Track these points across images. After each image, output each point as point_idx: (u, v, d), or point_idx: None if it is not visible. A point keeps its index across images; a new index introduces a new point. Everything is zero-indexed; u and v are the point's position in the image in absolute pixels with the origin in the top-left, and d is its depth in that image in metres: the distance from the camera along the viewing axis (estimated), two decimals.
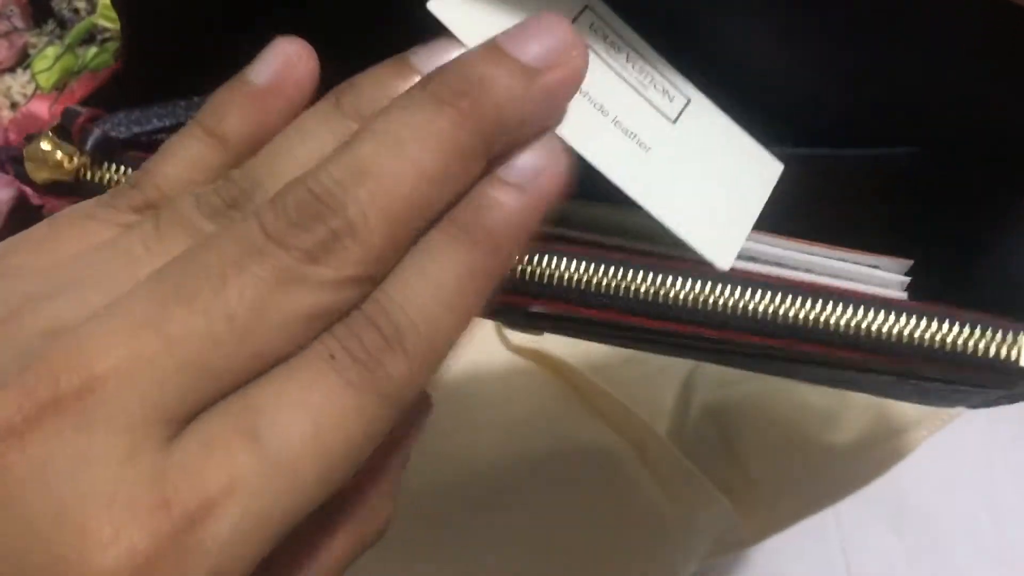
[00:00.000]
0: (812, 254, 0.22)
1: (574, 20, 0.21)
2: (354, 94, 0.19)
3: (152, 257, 0.17)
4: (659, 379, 0.48)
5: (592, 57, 0.20)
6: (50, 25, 0.53)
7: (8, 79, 0.53)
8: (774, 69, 0.23)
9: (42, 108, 0.50)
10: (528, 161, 0.18)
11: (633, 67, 0.21)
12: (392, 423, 0.17)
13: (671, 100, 0.21)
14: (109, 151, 0.22)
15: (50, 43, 0.51)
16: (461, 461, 0.45)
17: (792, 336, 0.19)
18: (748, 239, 0.21)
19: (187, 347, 0.15)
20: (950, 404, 0.27)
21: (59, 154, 0.21)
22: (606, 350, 0.48)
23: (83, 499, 0.14)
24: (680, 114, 0.21)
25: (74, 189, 0.22)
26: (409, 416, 0.20)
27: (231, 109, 0.19)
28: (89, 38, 0.51)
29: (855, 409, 0.47)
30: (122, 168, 0.22)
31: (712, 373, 0.48)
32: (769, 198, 0.22)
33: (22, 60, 0.53)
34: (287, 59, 0.19)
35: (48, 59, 0.50)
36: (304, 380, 0.16)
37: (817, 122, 0.24)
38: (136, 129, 0.22)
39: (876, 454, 0.49)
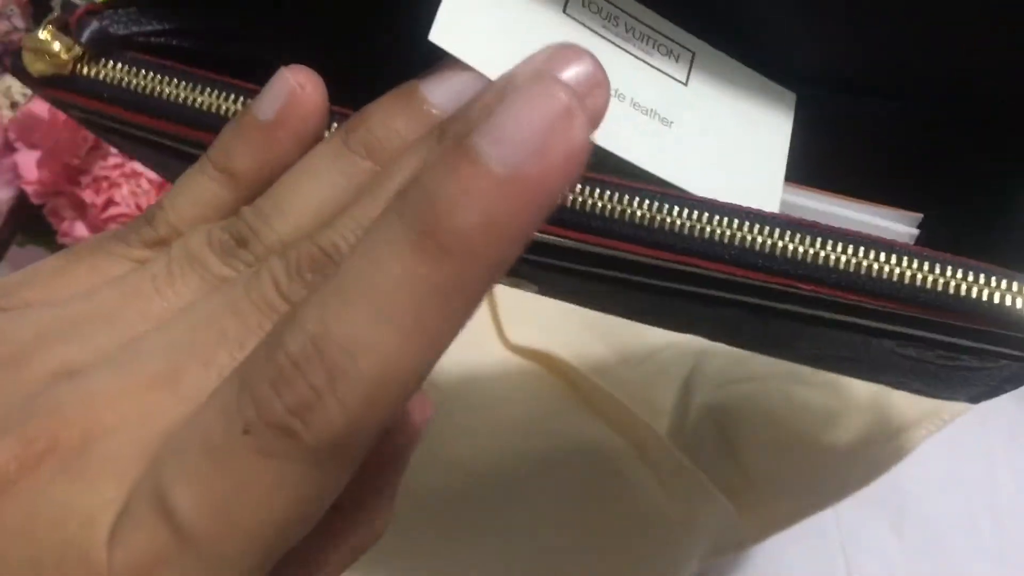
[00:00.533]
0: (819, 201, 0.22)
1: (567, 2, 0.20)
2: (364, 129, 0.19)
3: (162, 297, 0.17)
4: (659, 379, 0.48)
5: (594, 39, 0.20)
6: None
7: (8, 79, 0.53)
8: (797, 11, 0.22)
9: (42, 108, 0.50)
10: (520, 131, 0.13)
11: (634, 35, 0.21)
12: (343, 475, 0.14)
13: (677, 60, 0.21)
14: (107, 47, 0.22)
15: None
16: (460, 461, 0.45)
17: (792, 275, 0.18)
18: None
19: (196, 405, 0.15)
20: (951, 391, 0.26)
21: (56, 45, 0.21)
22: (606, 350, 0.48)
23: (64, 548, 0.14)
24: (690, 72, 0.21)
25: (68, 83, 0.22)
26: (405, 426, 0.20)
27: (238, 145, 0.19)
28: None
29: (855, 409, 0.47)
30: (119, 65, 0.21)
31: (712, 373, 0.48)
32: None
33: None
34: (292, 92, 0.19)
35: None
36: (219, 458, 0.14)
37: (839, 71, 0.24)
38: (134, 28, 0.22)
39: (876, 454, 0.49)
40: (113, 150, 0.50)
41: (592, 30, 0.20)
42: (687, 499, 0.47)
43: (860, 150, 0.24)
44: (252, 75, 0.21)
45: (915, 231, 0.22)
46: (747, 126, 0.21)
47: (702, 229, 0.18)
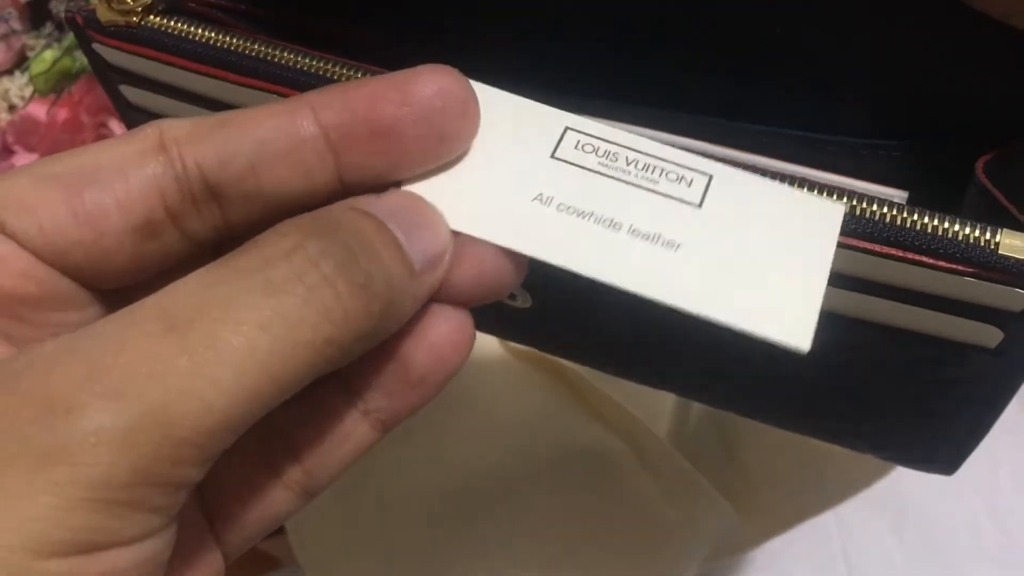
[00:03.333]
0: (808, 174, 0.22)
1: (556, 147, 0.19)
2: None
3: None
4: None
5: (588, 175, 0.19)
6: (48, 28, 0.53)
7: (6, 82, 0.53)
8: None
9: (40, 111, 0.49)
10: (431, 245, 0.17)
11: (636, 166, 0.19)
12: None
13: (690, 184, 0.19)
14: (178, 5, 0.23)
15: (48, 46, 0.51)
16: (459, 464, 0.45)
17: None
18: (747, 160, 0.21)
19: None
20: (924, 445, 0.27)
21: None
22: None
23: None
24: (705, 195, 0.19)
25: (134, 33, 0.23)
26: None
27: None
28: None
29: None
30: (184, 21, 0.23)
31: None
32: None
33: (20, 63, 0.53)
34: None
35: (46, 62, 0.50)
36: None
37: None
38: None
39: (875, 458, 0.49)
40: None
41: (587, 169, 0.19)
42: (687, 502, 0.46)
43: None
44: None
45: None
46: (776, 246, 0.19)
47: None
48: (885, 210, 0.20)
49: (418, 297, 0.17)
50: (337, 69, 0.22)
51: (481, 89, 0.19)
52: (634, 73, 0.25)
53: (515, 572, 0.45)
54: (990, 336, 0.21)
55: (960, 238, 0.19)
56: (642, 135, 0.20)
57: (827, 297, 0.18)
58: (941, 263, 0.19)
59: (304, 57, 0.22)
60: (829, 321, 0.18)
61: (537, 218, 0.18)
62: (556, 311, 0.27)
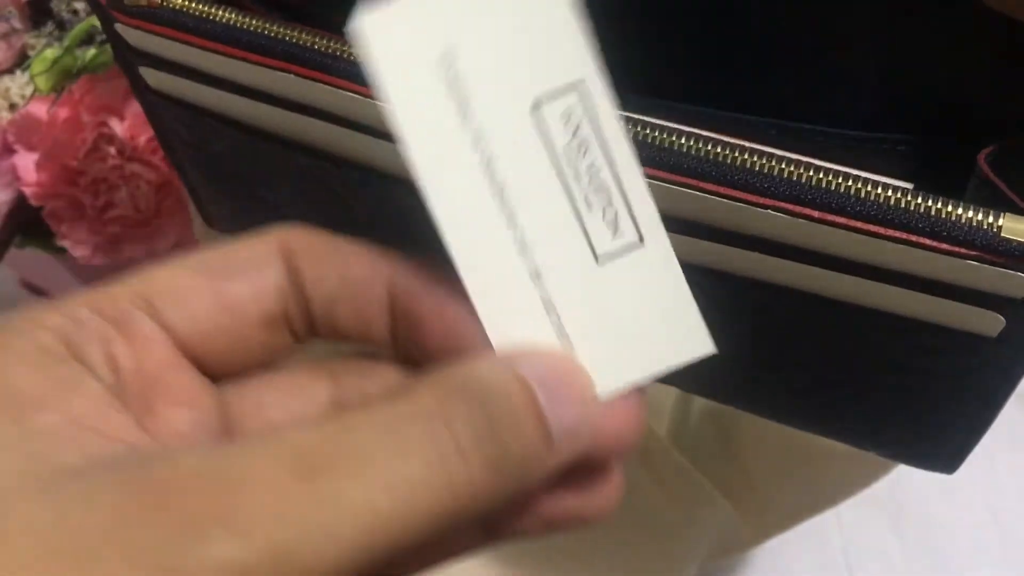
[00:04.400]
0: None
1: (546, 101, 0.16)
2: None
3: None
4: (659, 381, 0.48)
5: (543, 150, 0.16)
6: (49, 27, 0.53)
7: (7, 80, 0.53)
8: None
9: (41, 110, 0.49)
10: (574, 419, 0.16)
11: (590, 180, 0.16)
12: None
13: (614, 235, 0.16)
14: None
15: (49, 45, 0.51)
16: None
17: (791, 198, 0.20)
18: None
19: None
20: (928, 441, 0.27)
21: None
22: None
23: None
24: (615, 256, 0.17)
25: (155, 14, 0.23)
26: None
27: None
28: (88, 39, 0.51)
29: None
30: (206, 6, 0.23)
31: None
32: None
33: (21, 62, 0.53)
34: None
35: (47, 61, 0.50)
36: None
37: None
38: None
39: (877, 456, 0.49)
40: (112, 150, 0.50)
41: (550, 145, 0.16)
42: (687, 502, 0.46)
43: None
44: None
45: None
46: (630, 329, 0.17)
47: (708, 152, 0.20)
48: (890, 193, 0.20)
49: (550, 469, 0.16)
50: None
51: None
52: (663, 71, 0.25)
53: (515, 572, 0.45)
54: (992, 323, 0.21)
55: (963, 221, 0.19)
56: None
57: (830, 282, 0.18)
58: (944, 246, 0.19)
59: (325, 39, 0.22)
60: (831, 308, 0.18)
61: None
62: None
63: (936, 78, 0.23)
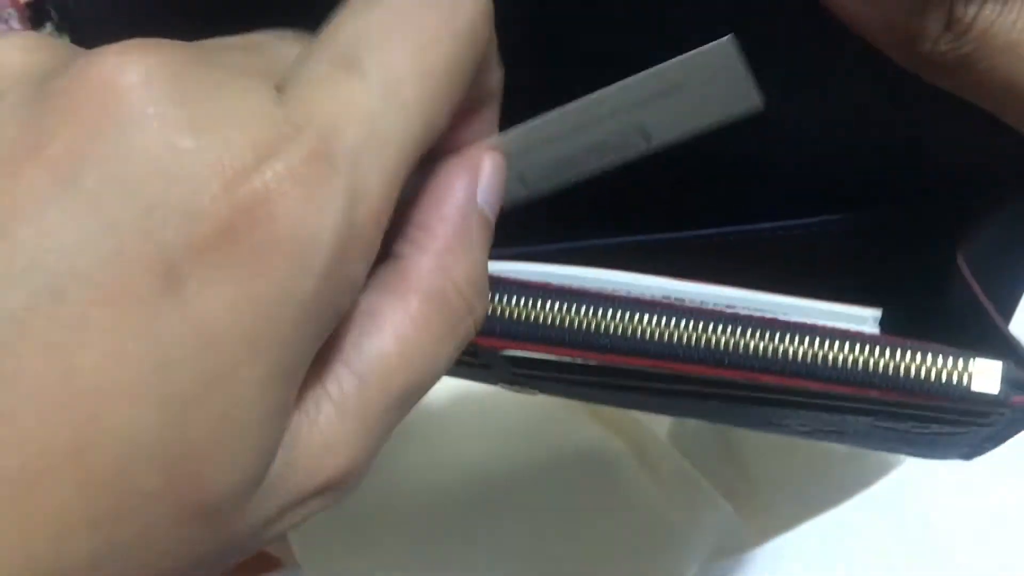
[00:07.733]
0: (782, 302, 0.22)
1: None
2: None
3: None
4: None
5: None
6: (48, 28, 0.53)
7: None
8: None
9: None
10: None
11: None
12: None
13: None
14: None
15: None
16: (459, 465, 0.45)
17: (757, 369, 0.20)
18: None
19: None
20: (939, 453, 0.27)
21: None
22: None
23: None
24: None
25: None
26: None
27: None
28: None
29: None
30: None
31: None
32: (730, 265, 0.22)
33: None
34: None
35: None
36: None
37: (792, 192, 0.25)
38: None
39: (877, 456, 0.49)
40: None
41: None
42: (687, 503, 0.46)
43: (817, 261, 0.25)
44: None
45: (876, 330, 0.23)
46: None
47: (671, 334, 0.20)
48: (856, 354, 0.20)
49: None
50: None
51: None
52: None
53: (515, 572, 0.45)
54: (979, 417, 0.21)
55: (932, 376, 0.19)
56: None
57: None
58: (915, 400, 0.20)
59: None
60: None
61: None
62: None
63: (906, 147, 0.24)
